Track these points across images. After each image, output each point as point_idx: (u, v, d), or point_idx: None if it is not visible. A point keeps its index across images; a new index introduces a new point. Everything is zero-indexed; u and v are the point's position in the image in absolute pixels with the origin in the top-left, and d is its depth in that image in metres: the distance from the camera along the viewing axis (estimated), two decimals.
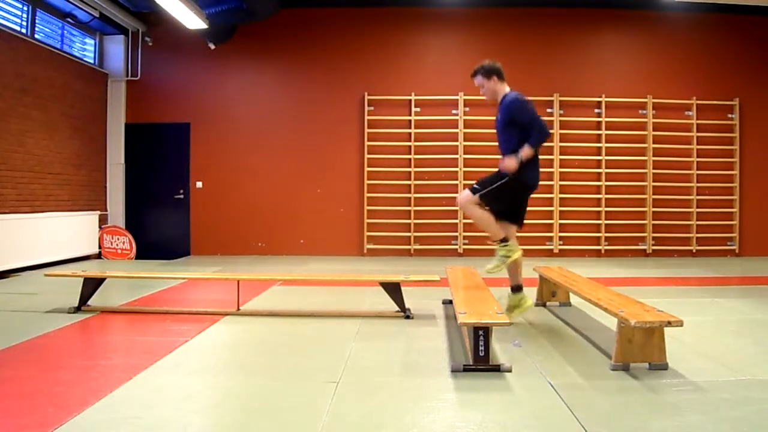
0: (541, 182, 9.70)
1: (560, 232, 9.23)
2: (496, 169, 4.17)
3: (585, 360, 3.40)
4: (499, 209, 4.18)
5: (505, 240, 4.21)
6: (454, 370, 3.15)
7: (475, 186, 4.14)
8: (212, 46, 9.08)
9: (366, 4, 9.32)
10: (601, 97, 9.18)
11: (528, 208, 9.85)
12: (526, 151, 3.96)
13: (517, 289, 4.30)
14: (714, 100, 9.22)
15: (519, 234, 9.46)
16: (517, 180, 4.05)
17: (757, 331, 4.13)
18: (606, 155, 9.17)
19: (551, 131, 3.92)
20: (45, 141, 7.83)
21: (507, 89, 4.32)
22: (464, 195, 4.20)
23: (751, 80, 9.28)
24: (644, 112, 9.22)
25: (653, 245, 9.23)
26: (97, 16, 8.46)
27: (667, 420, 2.48)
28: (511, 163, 4.00)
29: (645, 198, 9.22)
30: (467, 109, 9.21)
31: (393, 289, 4.65)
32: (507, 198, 4.14)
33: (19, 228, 7.08)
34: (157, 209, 9.58)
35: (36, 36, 7.85)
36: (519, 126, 4.06)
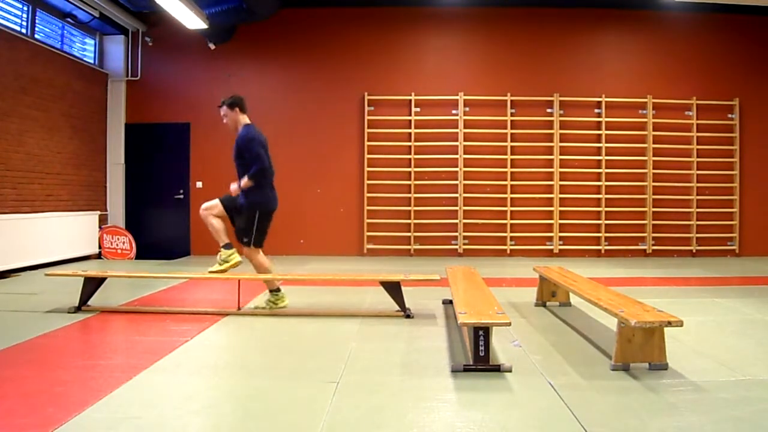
0: (541, 182, 9.73)
1: (560, 232, 9.23)
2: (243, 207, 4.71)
3: (585, 360, 3.40)
4: (263, 239, 4.77)
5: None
6: (454, 370, 3.15)
7: (243, 239, 4.72)
8: (212, 46, 9.09)
9: (366, 4, 9.31)
10: (601, 97, 9.17)
11: (528, 208, 9.89)
12: (244, 182, 4.59)
13: (227, 246, 4.79)
14: (714, 100, 9.21)
15: (518, 234, 9.48)
16: (261, 210, 4.67)
17: (757, 331, 4.13)
18: (606, 155, 9.17)
19: (266, 168, 4.68)
20: (45, 141, 7.83)
21: (246, 121, 4.87)
22: (248, 251, 4.74)
23: (751, 80, 9.28)
24: (644, 112, 9.22)
25: (653, 245, 9.23)
26: (97, 16, 8.46)
27: (666, 420, 2.48)
28: (233, 188, 4.66)
29: (645, 198, 9.22)
30: (467, 109, 9.20)
31: (393, 289, 4.65)
32: (265, 225, 4.75)
33: (19, 228, 7.08)
34: (157, 209, 9.58)
35: (36, 36, 7.85)
36: (245, 159, 4.63)
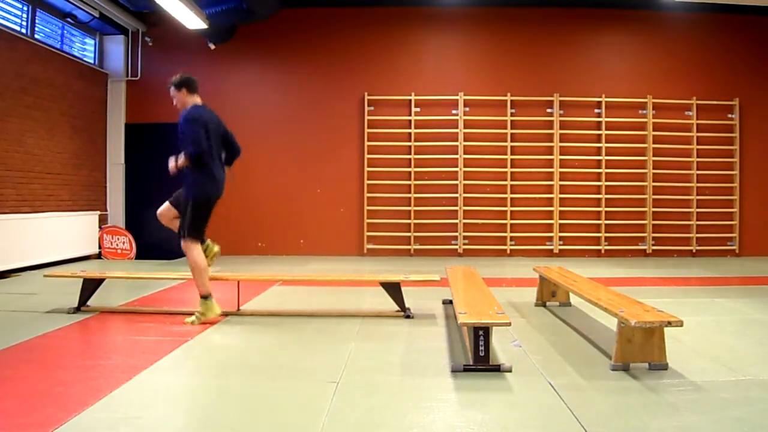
0: (541, 182, 9.72)
1: (560, 232, 9.23)
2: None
3: (585, 360, 3.40)
4: (204, 228, 4.62)
5: (208, 296, 4.38)
6: (454, 370, 3.15)
7: (180, 231, 4.56)
8: (212, 46, 9.08)
9: (366, 4, 9.31)
10: (601, 97, 9.17)
11: (528, 208, 9.89)
12: (181, 159, 4.53)
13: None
14: (714, 100, 9.21)
15: (518, 234, 9.47)
16: (196, 196, 4.54)
17: (757, 331, 4.13)
18: (606, 155, 9.16)
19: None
20: (45, 141, 7.83)
21: (195, 102, 4.68)
22: (184, 243, 4.52)
23: (751, 80, 9.28)
24: (644, 112, 9.22)
25: (653, 245, 9.23)
26: (97, 16, 8.46)
27: (667, 420, 2.48)
28: (170, 163, 4.60)
29: (645, 198, 9.22)
30: (467, 109, 9.20)
31: (393, 289, 4.65)
32: (203, 215, 4.60)
33: (19, 228, 7.08)
34: (157, 209, 9.54)
35: (36, 36, 7.85)
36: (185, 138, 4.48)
